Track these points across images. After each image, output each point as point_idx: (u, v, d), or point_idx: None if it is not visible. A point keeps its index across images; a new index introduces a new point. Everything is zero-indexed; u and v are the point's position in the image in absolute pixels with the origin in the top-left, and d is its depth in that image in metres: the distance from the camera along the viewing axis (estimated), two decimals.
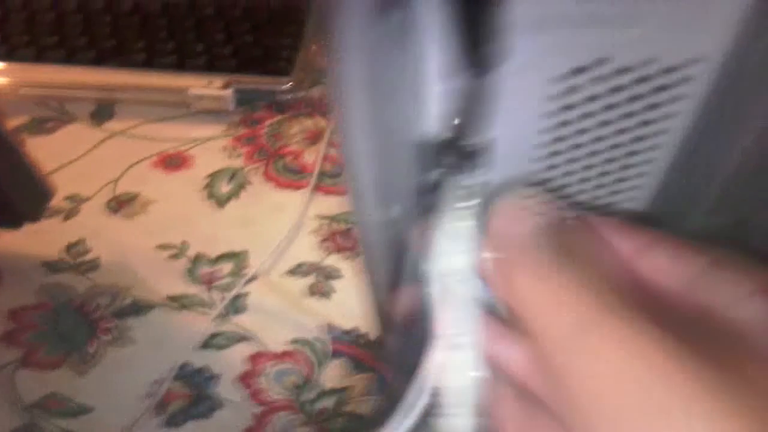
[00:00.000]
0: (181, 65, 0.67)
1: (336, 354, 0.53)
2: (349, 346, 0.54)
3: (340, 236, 0.59)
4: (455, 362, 0.25)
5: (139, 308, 0.56)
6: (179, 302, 0.56)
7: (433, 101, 0.22)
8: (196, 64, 0.67)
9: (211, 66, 0.67)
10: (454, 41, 0.20)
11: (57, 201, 0.61)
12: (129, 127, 0.67)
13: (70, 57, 0.68)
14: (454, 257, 0.25)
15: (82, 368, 0.53)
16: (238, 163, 0.64)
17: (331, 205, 0.61)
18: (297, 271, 0.57)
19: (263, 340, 0.54)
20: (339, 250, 0.58)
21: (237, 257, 0.58)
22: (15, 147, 0.52)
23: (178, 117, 0.67)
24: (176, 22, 0.69)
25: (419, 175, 0.25)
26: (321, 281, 0.56)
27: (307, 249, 0.58)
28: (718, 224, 0.25)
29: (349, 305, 0.55)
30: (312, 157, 0.64)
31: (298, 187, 0.62)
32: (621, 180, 0.27)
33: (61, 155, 0.65)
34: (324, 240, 0.59)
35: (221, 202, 0.62)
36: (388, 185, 0.26)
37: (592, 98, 0.23)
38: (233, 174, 0.63)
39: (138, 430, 0.50)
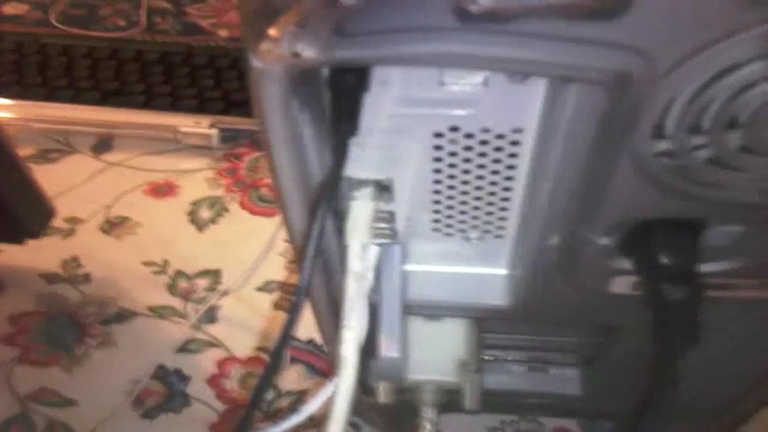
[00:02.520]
0: (174, 106, 0.75)
1: (293, 360, 0.61)
2: (306, 354, 0.61)
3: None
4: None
5: (123, 317, 0.63)
6: (158, 312, 0.64)
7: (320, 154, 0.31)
8: (188, 105, 0.75)
9: (200, 107, 0.75)
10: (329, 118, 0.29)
11: (56, 222, 0.70)
12: (125, 158, 0.76)
13: (77, 97, 0.76)
14: (361, 267, 0.34)
15: (70, 367, 0.60)
16: (218, 192, 0.72)
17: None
18: (265, 288, 0.65)
19: (231, 348, 0.61)
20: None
21: (212, 274, 0.66)
22: (21, 169, 0.60)
23: (169, 151, 0.76)
24: (172, 69, 0.78)
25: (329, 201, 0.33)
26: (285, 297, 0.64)
27: (275, 269, 0.66)
28: (557, 241, 0.34)
29: (309, 319, 0.63)
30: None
31: (271, 215, 0.70)
32: (490, 208, 0.36)
33: (63, 182, 0.73)
34: (291, 261, 0.67)
35: (201, 226, 0.70)
36: (309, 212, 0.35)
37: (452, 153, 0.32)
38: (213, 202, 0.71)
39: (117, 421, 0.57)
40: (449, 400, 0.44)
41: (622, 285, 0.34)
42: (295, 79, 0.26)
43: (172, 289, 0.65)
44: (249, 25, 0.27)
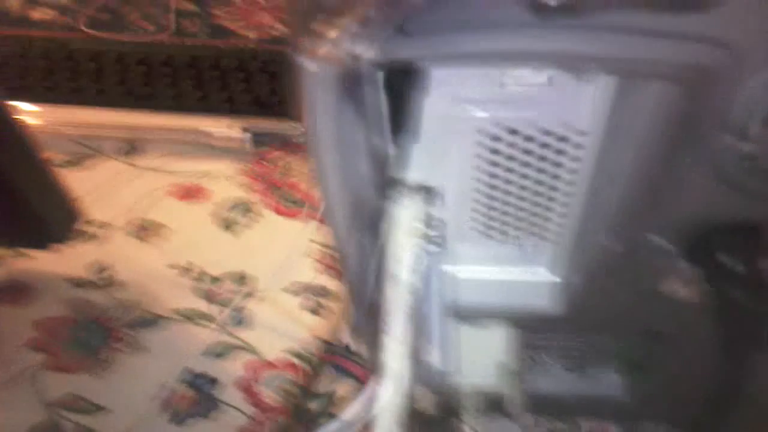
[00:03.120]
0: (205, 109, 0.74)
1: (323, 363, 0.60)
2: (334, 356, 0.60)
3: (331, 259, 0.66)
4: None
5: (150, 320, 0.62)
6: (185, 315, 0.63)
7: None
8: (219, 108, 0.74)
9: (231, 110, 0.74)
10: (386, 121, 0.28)
11: (85, 226, 0.69)
12: (155, 163, 0.75)
13: (107, 102, 0.75)
14: (408, 275, 0.32)
15: (97, 372, 0.59)
16: (248, 195, 0.71)
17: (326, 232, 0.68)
18: (292, 289, 0.64)
19: (258, 350, 0.60)
20: (329, 270, 0.65)
21: (239, 276, 0.65)
22: (48, 174, 0.59)
23: (200, 155, 0.74)
24: (202, 73, 0.77)
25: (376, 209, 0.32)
26: (311, 298, 0.63)
27: (302, 270, 0.65)
28: (619, 246, 0.32)
29: (334, 320, 0.62)
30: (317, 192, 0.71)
31: (297, 216, 0.69)
32: (547, 213, 0.34)
33: (93, 187, 0.72)
34: (317, 262, 0.66)
35: (229, 228, 0.69)
36: (355, 217, 0.33)
37: (510, 157, 0.30)
38: (242, 204, 0.70)
39: (147, 426, 0.56)
40: (490, 404, 0.43)
41: (683, 291, 0.33)
42: (349, 82, 0.25)
43: (198, 291, 0.64)
44: (300, 25, 0.25)
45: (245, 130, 0.73)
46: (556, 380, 0.49)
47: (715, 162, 0.25)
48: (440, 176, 0.32)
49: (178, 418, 0.57)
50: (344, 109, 0.27)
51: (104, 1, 0.92)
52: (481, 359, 0.43)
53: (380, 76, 0.27)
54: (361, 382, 0.59)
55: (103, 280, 0.65)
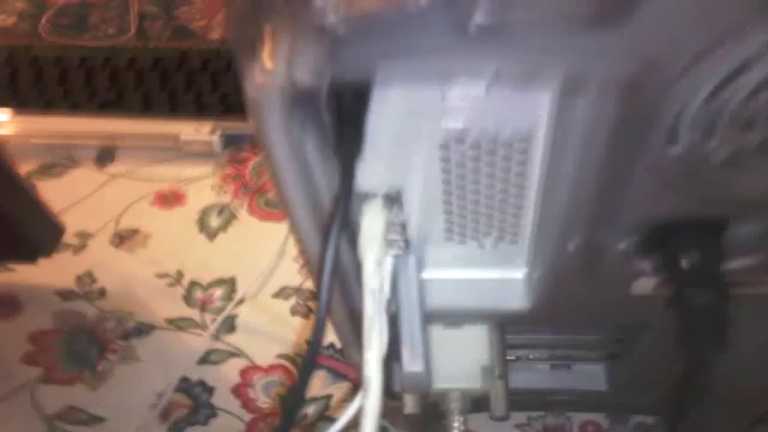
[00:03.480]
0: (173, 112, 0.74)
1: (316, 366, 0.61)
2: (328, 359, 0.61)
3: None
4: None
5: (142, 330, 0.63)
6: (177, 324, 0.63)
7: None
8: (186, 110, 0.74)
9: (200, 112, 0.74)
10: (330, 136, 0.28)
11: (67, 237, 0.69)
12: (128, 169, 0.75)
13: (75, 107, 0.76)
14: (377, 283, 0.33)
15: (94, 384, 0.61)
16: (225, 199, 0.72)
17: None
18: (281, 293, 0.65)
19: (252, 356, 0.61)
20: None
21: (227, 283, 0.66)
22: (28, 189, 0.59)
23: (172, 159, 0.75)
24: (168, 74, 0.77)
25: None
26: (301, 303, 0.64)
27: (289, 274, 0.66)
28: (576, 245, 0.33)
29: (328, 325, 0.62)
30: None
31: (280, 219, 0.70)
32: (502, 214, 0.35)
33: (68, 196, 0.73)
34: (303, 265, 0.66)
35: (211, 234, 0.69)
36: (318, 228, 0.34)
37: (460, 164, 0.31)
38: (222, 209, 0.71)
39: None
40: (477, 402, 0.44)
41: (644, 286, 0.34)
42: (294, 102, 0.26)
43: (188, 300, 0.65)
44: (240, 48, 0.26)
45: (213, 131, 0.73)
46: (542, 376, 0.50)
47: (654, 165, 0.25)
48: (399, 183, 0.33)
49: (177, 427, 0.58)
50: (292, 129, 0.27)
51: (64, 5, 0.92)
52: (463, 362, 0.44)
53: (323, 94, 0.28)
54: (355, 385, 0.59)
55: (92, 292, 0.66)
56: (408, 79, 0.25)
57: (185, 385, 0.60)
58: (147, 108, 0.75)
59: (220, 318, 0.63)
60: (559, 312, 0.38)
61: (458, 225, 0.35)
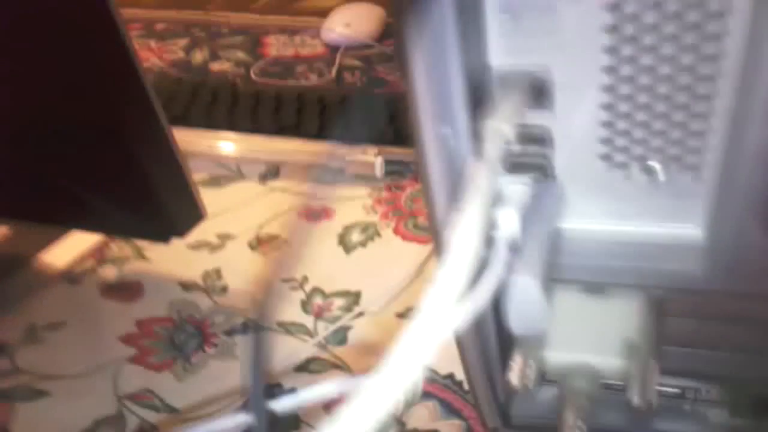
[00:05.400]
0: (344, 138, 0.71)
1: (427, 395, 0.49)
2: (442, 389, 0.49)
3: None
4: None
5: (248, 328, 0.56)
6: (286, 327, 0.56)
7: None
8: (358, 138, 0.71)
9: (371, 140, 0.70)
10: None
11: (208, 236, 0.66)
12: (288, 185, 0.72)
13: (260, 130, 0.76)
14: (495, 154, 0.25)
15: (182, 374, 0.54)
16: (373, 219, 0.65)
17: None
18: (405, 314, 0.55)
19: (355, 371, 0.51)
20: None
21: (351, 296, 0.57)
22: (181, 168, 0.58)
23: (334, 180, 0.70)
24: (350, 110, 0.75)
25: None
26: None
27: (420, 296, 0.56)
28: None
29: (451, 352, 0.51)
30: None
31: (424, 242, 0.61)
32: (682, 115, 0.25)
33: (224, 204, 0.70)
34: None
35: (350, 248, 0.62)
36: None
37: (630, 38, 0.22)
38: (366, 227, 0.64)
39: None
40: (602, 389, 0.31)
41: None
42: None
43: (305, 306, 0.57)
44: None
45: (378, 154, 0.68)
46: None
47: None
48: (550, 62, 0.25)
49: None
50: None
51: (277, 56, 0.96)
52: (602, 333, 0.31)
53: None
54: (469, 425, 0.47)
55: (214, 287, 0.61)
56: None
57: (275, 391, 0.51)
58: (321, 133, 0.73)
59: (333, 328, 0.55)
60: (746, 281, 0.26)
61: (620, 133, 0.26)
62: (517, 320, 0.29)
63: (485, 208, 0.24)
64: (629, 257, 0.30)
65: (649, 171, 0.28)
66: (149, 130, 0.56)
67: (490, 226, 0.30)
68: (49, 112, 0.55)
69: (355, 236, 0.63)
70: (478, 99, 0.27)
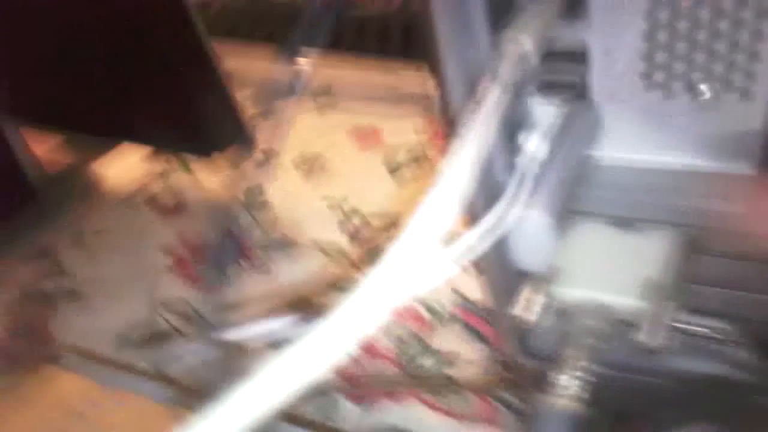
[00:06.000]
0: (403, 56, 0.68)
1: (452, 319, 0.47)
2: (470, 314, 0.47)
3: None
4: None
5: (284, 244, 0.56)
6: (320, 246, 0.54)
7: None
8: (419, 59, 0.67)
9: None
10: None
11: (255, 153, 0.65)
12: (340, 102, 0.70)
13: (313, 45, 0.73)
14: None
15: (214, 286, 0.53)
16: (422, 142, 0.62)
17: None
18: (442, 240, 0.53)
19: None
20: None
21: (390, 219, 0.55)
22: (220, 79, 0.57)
23: (385, 98, 0.68)
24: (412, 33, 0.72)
25: None
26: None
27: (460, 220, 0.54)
28: None
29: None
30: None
31: None
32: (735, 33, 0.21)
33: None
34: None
35: (393, 168, 0.60)
36: None
37: None
38: (414, 150, 0.62)
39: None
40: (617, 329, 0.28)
41: None
42: None
43: (342, 225, 0.56)
44: None
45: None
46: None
47: None
48: None
49: (275, 345, 0.48)
50: None
51: None
52: (623, 270, 0.28)
53: None
54: (492, 350, 0.45)
55: (255, 203, 0.60)
56: None
57: (302, 307, 0.50)
58: (380, 51, 0.70)
59: (368, 249, 0.53)
60: None
61: (664, 55, 0.22)
62: (522, 254, 0.26)
63: (489, 132, 0.21)
64: (667, 192, 0.27)
65: (695, 91, 0.24)
66: (189, 45, 0.55)
67: (514, 150, 0.28)
68: (95, 29, 0.55)
69: (401, 156, 0.61)
70: (502, 6, 0.24)
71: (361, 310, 0.18)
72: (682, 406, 0.26)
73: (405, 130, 0.64)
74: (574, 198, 0.27)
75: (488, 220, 0.24)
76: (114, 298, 0.54)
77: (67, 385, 0.45)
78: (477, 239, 0.25)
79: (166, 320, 0.51)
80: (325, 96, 0.72)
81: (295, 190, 0.61)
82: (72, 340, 0.51)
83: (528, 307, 0.29)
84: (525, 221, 0.25)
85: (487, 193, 0.27)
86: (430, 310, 0.48)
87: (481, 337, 0.46)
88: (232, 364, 0.44)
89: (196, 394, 0.43)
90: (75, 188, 0.64)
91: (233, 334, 0.41)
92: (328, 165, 0.62)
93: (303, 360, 0.17)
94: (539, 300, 0.29)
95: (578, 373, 0.26)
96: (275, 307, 0.50)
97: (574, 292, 0.29)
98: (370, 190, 0.59)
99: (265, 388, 0.17)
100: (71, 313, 0.53)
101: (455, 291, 0.49)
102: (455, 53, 0.26)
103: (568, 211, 0.27)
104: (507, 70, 0.22)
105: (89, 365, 0.46)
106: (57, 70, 0.60)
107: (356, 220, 0.56)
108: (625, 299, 0.28)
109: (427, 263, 0.20)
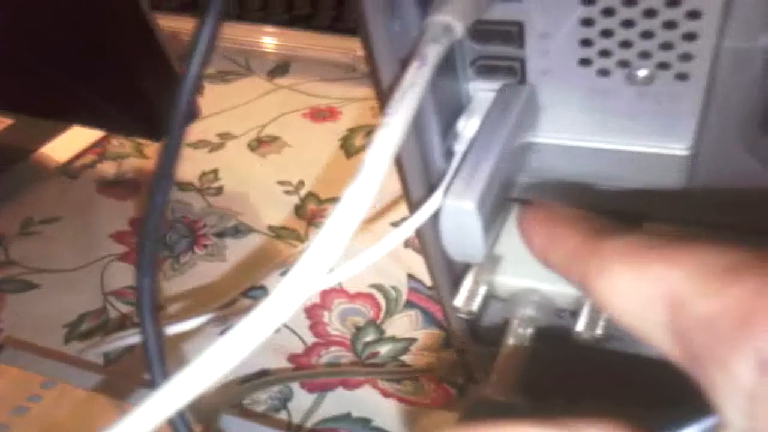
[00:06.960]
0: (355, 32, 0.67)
1: (409, 304, 0.47)
2: (426, 299, 0.47)
3: None
4: None
5: (239, 231, 0.55)
6: (277, 232, 0.54)
7: None
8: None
9: None
10: None
11: (208, 136, 0.64)
12: (296, 83, 0.69)
13: (266, 19, 0.71)
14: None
15: (169, 273, 0.52)
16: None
17: None
18: (400, 223, 0.52)
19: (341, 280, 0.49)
20: None
21: None
22: (169, 60, 0.55)
23: (344, 79, 0.67)
24: None
25: None
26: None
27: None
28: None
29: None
30: None
31: None
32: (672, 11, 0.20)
33: (229, 101, 0.68)
34: None
35: (351, 152, 0.59)
36: None
37: None
38: (371, 130, 0.61)
39: (201, 336, 0.47)
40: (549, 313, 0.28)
41: None
42: None
43: (299, 210, 0.55)
44: None
45: None
46: None
47: None
48: None
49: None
50: None
51: None
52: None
53: None
54: (448, 335, 0.44)
55: (209, 188, 0.59)
56: None
57: (256, 293, 0.49)
58: (334, 25, 0.69)
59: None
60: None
61: (600, 35, 0.22)
62: (451, 245, 0.26)
63: (410, 119, 0.20)
64: (604, 176, 0.26)
65: (631, 73, 0.24)
66: (136, 23, 0.53)
67: (452, 137, 0.27)
68: (46, 9, 0.53)
69: (358, 140, 0.60)
70: None
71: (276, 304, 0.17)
72: (614, 392, 0.26)
73: (362, 112, 0.63)
74: (514, 186, 0.27)
75: (426, 210, 0.24)
76: (64, 288, 0.52)
77: (8, 379, 0.43)
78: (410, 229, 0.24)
79: (117, 309, 0.50)
80: (282, 74, 0.70)
81: (250, 173, 0.59)
82: (18, 332, 0.49)
83: (470, 297, 0.29)
84: (448, 210, 0.24)
85: (426, 182, 0.26)
86: (386, 296, 0.47)
87: (437, 323, 0.45)
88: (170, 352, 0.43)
89: (142, 385, 0.42)
90: (23, 173, 0.63)
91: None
92: (284, 148, 0.61)
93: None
94: (481, 291, 0.29)
95: (516, 361, 0.26)
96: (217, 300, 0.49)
97: (514, 281, 0.29)
98: (327, 174, 0.58)
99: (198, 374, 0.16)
100: (21, 303, 0.52)
101: (412, 277, 0.48)
102: (382, 27, 0.25)
103: (506, 200, 0.26)
104: (433, 55, 0.22)
105: (33, 358, 0.45)
106: (1, 51, 0.57)
107: (313, 205, 0.55)
108: (564, 288, 0.27)
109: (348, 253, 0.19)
